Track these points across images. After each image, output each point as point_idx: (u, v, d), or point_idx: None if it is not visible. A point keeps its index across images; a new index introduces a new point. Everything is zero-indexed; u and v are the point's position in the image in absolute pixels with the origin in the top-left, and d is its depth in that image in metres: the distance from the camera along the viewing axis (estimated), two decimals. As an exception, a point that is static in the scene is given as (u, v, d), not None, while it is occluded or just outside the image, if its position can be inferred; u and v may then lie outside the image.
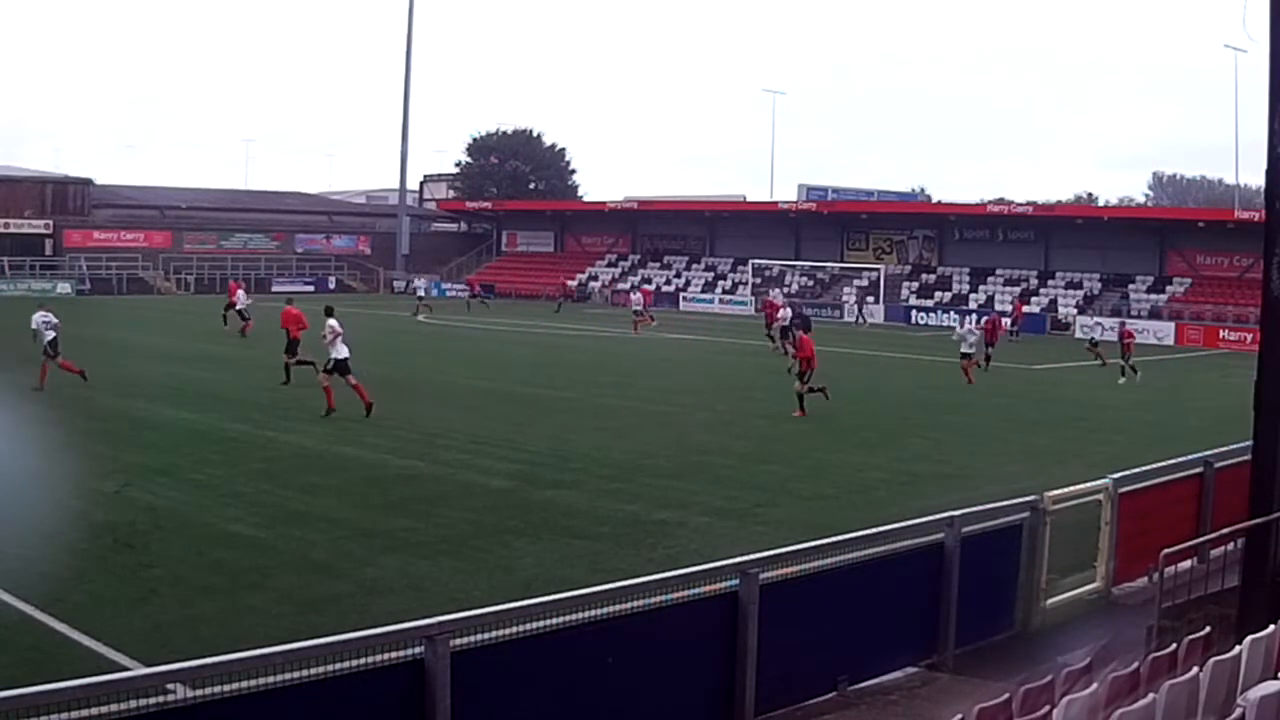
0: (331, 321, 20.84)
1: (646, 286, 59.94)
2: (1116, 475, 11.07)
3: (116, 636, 9.10)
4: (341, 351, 20.58)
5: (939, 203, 71.19)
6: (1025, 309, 50.05)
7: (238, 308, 37.16)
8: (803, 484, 16.20)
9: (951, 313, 54.82)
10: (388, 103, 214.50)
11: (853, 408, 24.42)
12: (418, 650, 6.15)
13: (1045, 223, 56.62)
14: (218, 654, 5.73)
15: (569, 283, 62.74)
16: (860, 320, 53.98)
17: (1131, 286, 53.01)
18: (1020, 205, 57.91)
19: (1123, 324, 35.77)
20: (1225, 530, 9.75)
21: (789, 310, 36.22)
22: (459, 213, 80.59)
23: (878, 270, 59.21)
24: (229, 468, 16.00)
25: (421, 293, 53.06)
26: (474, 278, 65.20)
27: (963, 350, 28.97)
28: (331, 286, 67.70)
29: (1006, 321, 42.69)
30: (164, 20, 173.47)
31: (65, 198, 65.67)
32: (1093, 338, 36.49)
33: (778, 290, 52.29)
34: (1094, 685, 5.70)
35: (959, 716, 5.62)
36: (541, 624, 6.78)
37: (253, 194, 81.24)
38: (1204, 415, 23.61)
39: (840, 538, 8.79)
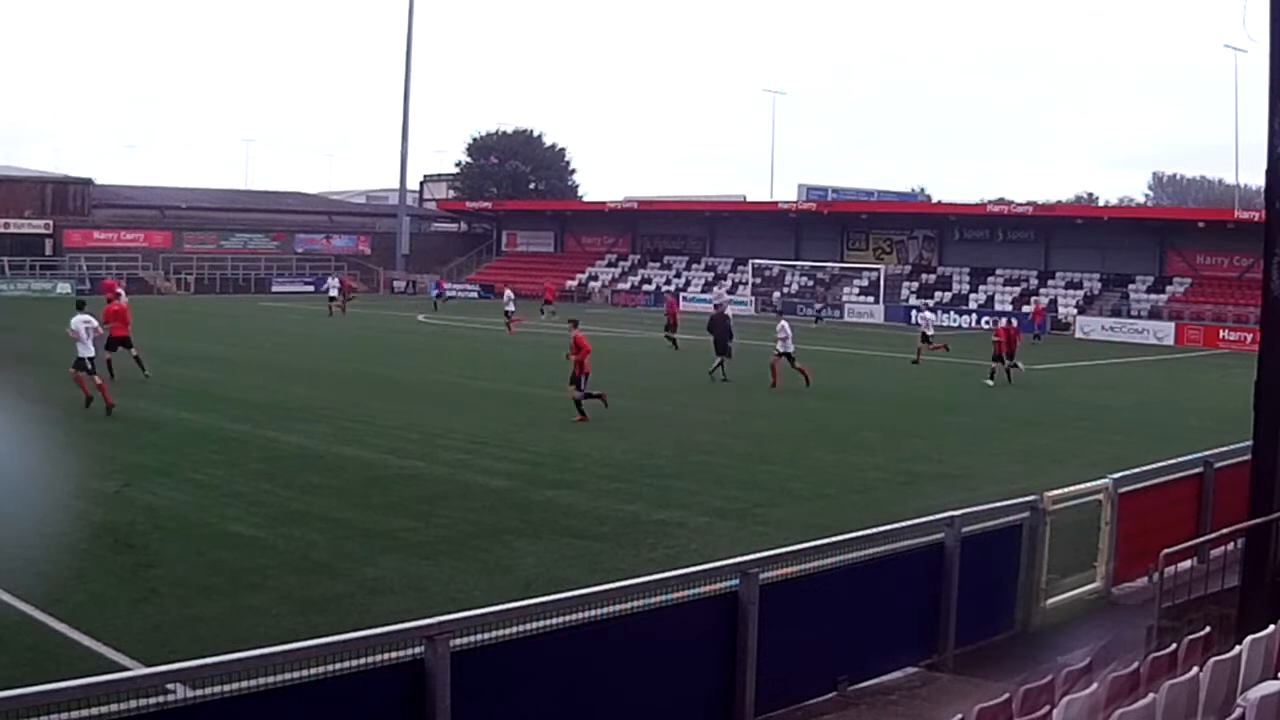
0: (79, 317, 20.70)
1: (551, 284, 56.92)
2: (1116, 475, 11.07)
3: (116, 636, 9.10)
4: (87, 350, 20.36)
5: (939, 203, 71.25)
6: (1026, 309, 49.84)
7: None
8: (803, 484, 16.19)
9: (951, 312, 54.88)
10: (388, 103, 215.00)
11: (852, 408, 24.42)
12: (418, 650, 6.14)
13: (1045, 223, 56.63)
14: (218, 654, 5.73)
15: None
16: (817, 319, 52.89)
17: (1131, 286, 53.01)
18: (1020, 205, 57.93)
19: (995, 323, 35.21)
20: (1225, 530, 9.74)
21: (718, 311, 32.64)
22: (459, 213, 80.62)
23: (878, 270, 59.22)
24: (229, 468, 15.99)
25: (334, 293, 49.99)
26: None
27: (779, 349, 26.40)
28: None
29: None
30: (164, 20, 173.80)
31: (65, 198, 65.70)
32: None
33: (721, 291, 51.39)
34: (1094, 685, 5.69)
35: (959, 716, 5.61)
36: (541, 624, 6.77)
37: (253, 194, 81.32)
38: (1204, 415, 23.60)
39: (840, 538, 8.78)
